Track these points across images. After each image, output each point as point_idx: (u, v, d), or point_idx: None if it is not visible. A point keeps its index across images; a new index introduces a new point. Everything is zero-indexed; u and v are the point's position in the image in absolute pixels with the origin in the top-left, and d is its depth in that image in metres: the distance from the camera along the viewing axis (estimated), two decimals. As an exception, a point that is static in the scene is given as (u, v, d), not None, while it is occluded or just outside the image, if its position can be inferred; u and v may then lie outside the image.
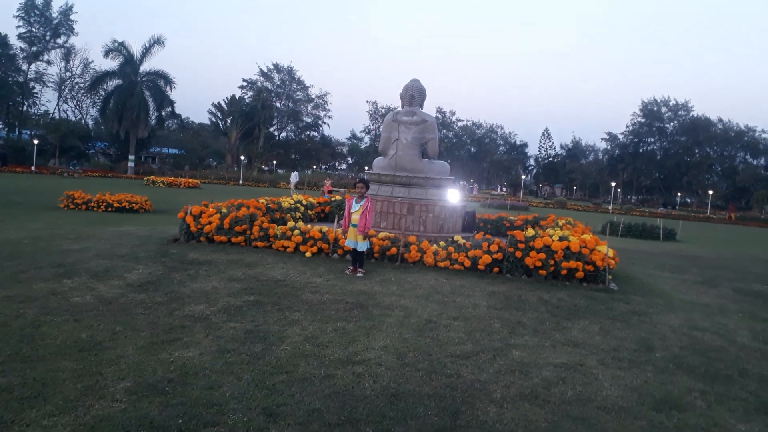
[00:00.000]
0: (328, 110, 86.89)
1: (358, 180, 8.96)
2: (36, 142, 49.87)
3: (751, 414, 4.27)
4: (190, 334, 5.17)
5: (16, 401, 3.66)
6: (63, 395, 3.78)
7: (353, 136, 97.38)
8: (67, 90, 69.91)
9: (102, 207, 18.20)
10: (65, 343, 4.74)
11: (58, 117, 66.31)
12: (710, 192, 66.23)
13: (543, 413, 3.98)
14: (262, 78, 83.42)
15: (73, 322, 5.29)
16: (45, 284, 6.65)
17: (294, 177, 41.91)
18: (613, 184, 72.19)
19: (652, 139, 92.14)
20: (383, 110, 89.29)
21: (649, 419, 4.01)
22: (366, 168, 64.14)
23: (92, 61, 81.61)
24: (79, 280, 6.94)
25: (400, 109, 12.57)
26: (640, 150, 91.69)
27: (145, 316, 5.64)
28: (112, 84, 55.20)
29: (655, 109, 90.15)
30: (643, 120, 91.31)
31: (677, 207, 74.57)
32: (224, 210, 10.33)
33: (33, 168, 45.63)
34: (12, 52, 63.06)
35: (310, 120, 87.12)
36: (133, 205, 18.71)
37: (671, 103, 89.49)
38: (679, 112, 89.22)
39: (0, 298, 5.96)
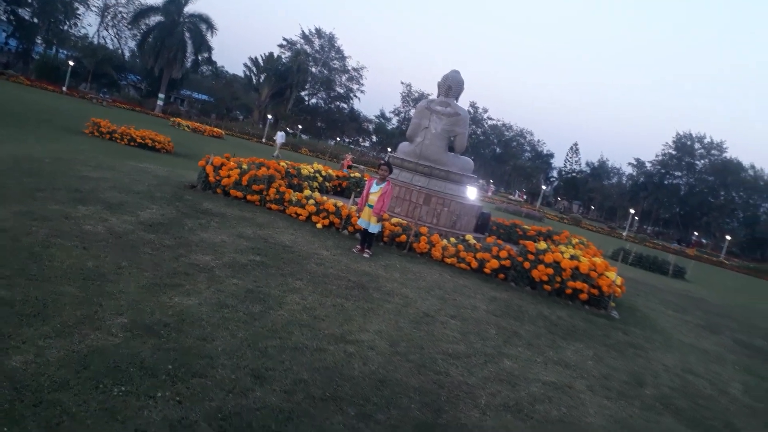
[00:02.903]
0: (362, 84, 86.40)
1: (382, 162, 8.92)
2: (71, 63, 50.12)
3: (730, 468, 4.24)
4: (193, 282, 5.21)
5: (15, 316, 3.72)
6: (61, 319, 3.84)
7: (382, 115, 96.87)
8: (109, 17, 69.95)
9: (125, 140, 18.32)
10: (71, 269, 4.80)
11: (96, 42, 66.51)
12: (728, 237, 65.32)
13: (524, 427, 3.98)
14: (302, 40, 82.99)
15: (82, 250, 5.35)
16: (59, 207, 6.72)
17: (280, 137, 38.23)
18: (632, 210, 71.39)
19: (680, 173, 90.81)
20: (416, 95, 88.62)
21: (628, 454, 4.00)
22: (389, 149, 63.96)
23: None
24: (93, 208, 7.01)
25: (435, 98, 12.46)
26: (665, 182, 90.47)
27: (151, 256, 5.69)
28: (154, 19, 55.28)
29: (688, 143, 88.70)
30: (674, 152, 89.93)
31: (691, 245, 73.70)
32: (245, 166, 10.35)
33: (64, 88, 45.95)
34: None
35: (342, 91, 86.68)
36: (156, 144, 18.80)
37: (705, 141, 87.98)
38: (712, 151, 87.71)
39: (14, 213, 6.04)
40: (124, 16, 68.28)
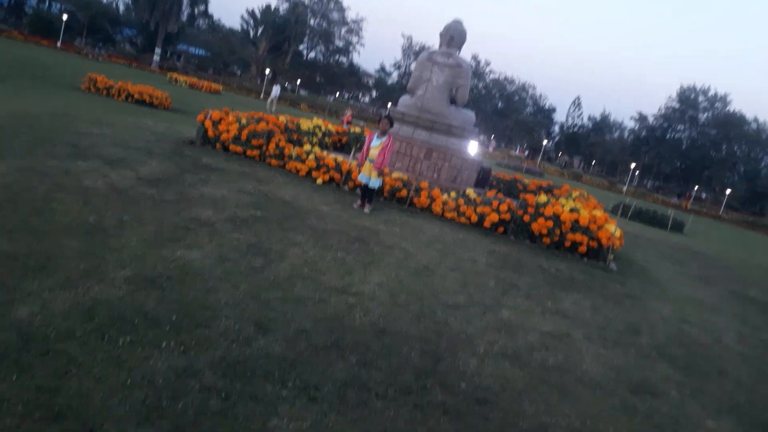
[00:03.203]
0: (361, 37, 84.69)
1: (384, 116, 8.82)
2: (65, 17, 48.99)
3: (722, 413, 4.37)
4: (194, 236, 5.25)
5: (20, 269, 3.77)
6: (65, 272, 3.89)
7: (382, 69, 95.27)
8: (102, -31, 67.99)
9: (122, 96, 18.09)
10: (73, 223, 4.83)
11: (90, -5, 64.84)
12: (728, 191, 65.25)
13: (521, 374, 4.08)
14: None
15: (83, 204, 5.37)
16: (59, 162, 6.70)
17: (275, 91, 35.58)
18: (633, 165, 71.08)
19: (682, 127, 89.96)
20: (417, 47, 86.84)
21: (623, 399, 4.12)
22: (389, 104, 63.15)
23: (131, -57, 78.94)
24: (93, 164, 6.99)
25: (436, 49, 12.21)
26: (668, 136, 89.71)
27: (152, 211, 5.71)
28: (149, -29, 53.71)
29: (692, 96, 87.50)
30: (677, 105, 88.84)
31: (685, 198, 73.76)
32: (244, 121, 10.25)
33: (59, 44, 45.07)
34: None
35: (341, 44, 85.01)
36: (153, 100, 18.58)
37: (709, 93, 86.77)
38: (716, 104, 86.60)
39: (14, 169, 6.03)
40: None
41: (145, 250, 4.64)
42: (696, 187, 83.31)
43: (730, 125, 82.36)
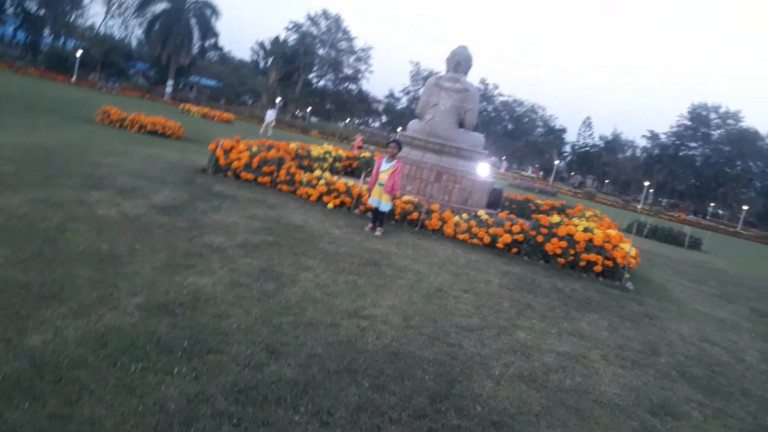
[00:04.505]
0: (370, 65, 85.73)
1: (391, 140, 8.88)
2: (79, 53, 50.23)
3: (746, 433, 4.24)
4: (206, 262, 5.26)
5: (34, 298, 3.79)
6: (78, 300, 3.90)
7: (391, 95, 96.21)
8: (114, 6, 69.81)
9: (136, 127, 18.38)
10: (86, 252, 4.86)
11: (103, 32, 66.55)
12: (745, 207, 64.43)
13: (538, 397, 4.00)
14: (308, 22, 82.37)
15: (96, 233, 5.42)
16: (73, 192, 6.80)
17: (270, 115, 34.15)
18: (647, 183, 70.60)
19: (695, 144, 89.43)
20: (425, 73, 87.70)
21: (643, 421, 4.01)
22: (399, 129, 63.66)
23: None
24: (106, 193, 7.08)
25: (444, 74, 12.33)
26: (680, 153, 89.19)
27: (164, 238, 5.75)
28: (159, 7, 55.10)
29: (704, 113, 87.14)
30: (689, 123, 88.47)
31: (707, 217, 72.91)
32: (255, 149, 10.37)
33: (73, 79, 46.15)
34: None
35: (350, 72, 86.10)
36: (166, 130, 18.86)
37: (721, 110, 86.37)
38: (728, 121, 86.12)
39: (29, 199, 6.12)
40: (130, 4, 68.24)
41: (157, 276, 4.66)
42: (712, 204, 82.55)
43: (744, 141, 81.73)
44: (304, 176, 9.95)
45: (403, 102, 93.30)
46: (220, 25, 68.30)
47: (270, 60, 74.45)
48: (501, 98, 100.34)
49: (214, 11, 55.54)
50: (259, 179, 9.97)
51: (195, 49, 57.72)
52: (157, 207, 6.96)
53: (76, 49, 53.69)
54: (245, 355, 3.63)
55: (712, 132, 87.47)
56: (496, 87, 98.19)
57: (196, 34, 55.68)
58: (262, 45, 77.29)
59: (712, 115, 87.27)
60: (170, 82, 54.89)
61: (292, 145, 11.62)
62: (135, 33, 71.52)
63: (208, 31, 56.46)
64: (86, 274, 4.40)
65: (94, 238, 5.29)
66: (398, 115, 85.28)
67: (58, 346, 3.27)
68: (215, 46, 65.51)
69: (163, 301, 4.18)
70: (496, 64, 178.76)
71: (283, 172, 9.96)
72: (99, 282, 4.29)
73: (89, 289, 4.13)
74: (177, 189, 8.25)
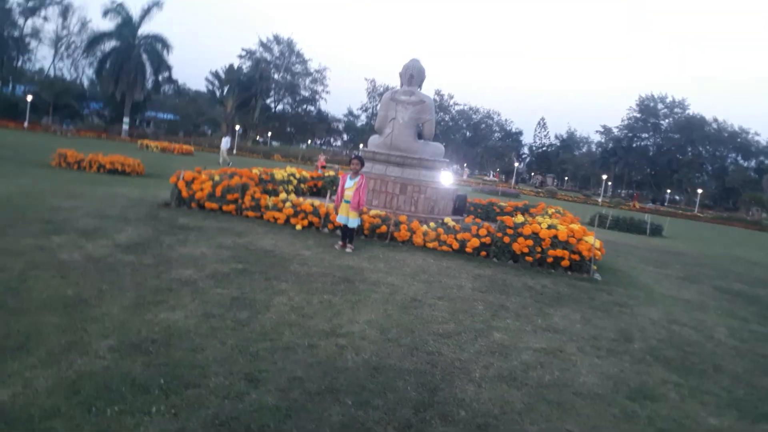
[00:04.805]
0: (326, 85, 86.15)
1: (353, 156, 8.95)
2: (30, 98, 49.05)
3: (723, 409, 4.37)
4: (177, 297, 5.19)
5: (-1, 352, 3.67)
6: (46, 349, 3.80)
7: (350, 113, 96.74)
8: (63, 48, 68.66)
9: (94, 168, 18.01)
10: (51, 299, 4.74)
11: (53, 75, 65.24)
12: (699, 191, 66.75)
13: (520, 395, 4.06)
14: (261, 49, 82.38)
15: (60, 279, 5.29)
16: (33, 239, 6.62)
17: (225, 143, 33.06)
18: (605, 177, 72.44)
19: (646, 135, 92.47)
20: (381, 89, 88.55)
21: (623, 407, 4.10)
22: (361, 145, 63.88)
23: (90, 20, 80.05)
24: (68, 237, 6.92)
25: (398, 88, 12.50)
26: (634, 145, 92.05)
27: (132, 276, 5.65)
28: (109, 45, 54.35)
29: (651, 105, 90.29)
30: (638, 115, 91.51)
31: (666, 204, 75.18)
32: (216, 178, 10.29)
33: (26, 124, 45.01)
34: (8, 6, 61.59)
35: (307, 94, 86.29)
36: (126, 167, 18.52)
37: (668, 100, 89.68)
38: (675, 110, 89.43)
39: (-14, 251, 5.93)
40: (78, 45, 67.09)
41: (127, 316, 4.57)
42: (669, 191, 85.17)
43: (692, 128, 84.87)
44: (270, 200, 9.91)
45: (363, 119, 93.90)
46: (172, 58, 68.03)
47: (226, 88, 74.05)
48: (457, 107, 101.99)
49: (165, 45, 55.03)
50: (224, 208, 9.89)
51: (149, 84, 56.95)
52: (121, 246, 6.83)
53: (26, 94, 52.39)
54: (224, 386, 3.59)
55: (661, 122, 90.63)
56: (451, 96, 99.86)
57: (148, 69, 55.00)
58: (216, 74, 76.80)
59: (660, 106, 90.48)
60: (126, 120, 54.00)
61: (255, 171, 11.56)
62: (86, 73, 70.56)
63: (161, 65, 55.83)
64: (53, 321, 4.29)
65: (58, 283, 5.16)
66: (359, 132, 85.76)
67: (29, 398, 3.17)
68: (169, 80, 64.61)
69: (135, 341, 4.10)
70: (450, 74, 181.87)
71: (247, 198, 9.90)
72: (67, 328, 4.19)
73: (57, 336, 4.03)
74: (141, 226, 8.11)
